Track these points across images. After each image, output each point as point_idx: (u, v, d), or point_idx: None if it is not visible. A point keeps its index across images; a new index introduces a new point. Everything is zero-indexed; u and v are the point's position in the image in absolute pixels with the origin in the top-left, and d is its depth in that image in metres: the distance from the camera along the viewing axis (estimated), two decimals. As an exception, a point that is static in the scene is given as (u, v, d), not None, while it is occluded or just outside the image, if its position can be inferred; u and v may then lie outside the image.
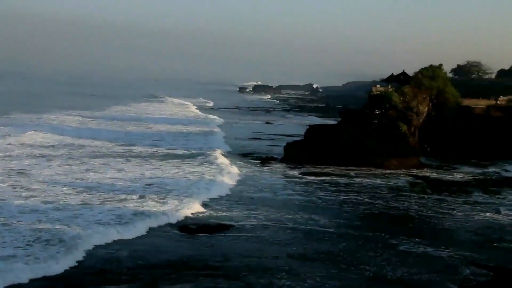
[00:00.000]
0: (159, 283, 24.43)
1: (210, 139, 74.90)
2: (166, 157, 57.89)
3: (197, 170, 50.55)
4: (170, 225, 33.36)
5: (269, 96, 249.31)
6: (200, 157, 57.41)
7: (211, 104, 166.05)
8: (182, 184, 43.74)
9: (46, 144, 61.95)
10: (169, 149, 63.87)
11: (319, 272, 26.69)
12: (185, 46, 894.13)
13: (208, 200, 39.85)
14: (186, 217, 34.83)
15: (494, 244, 32.33)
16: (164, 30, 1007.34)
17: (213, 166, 52.32)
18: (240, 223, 34.49)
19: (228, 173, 49.19)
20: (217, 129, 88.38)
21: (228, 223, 34.25)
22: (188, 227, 33.05)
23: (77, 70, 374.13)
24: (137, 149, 62.67)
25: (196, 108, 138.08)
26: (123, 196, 38.67)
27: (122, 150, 61.10)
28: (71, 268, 25.65)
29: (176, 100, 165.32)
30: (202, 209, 37.06)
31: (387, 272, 27.00)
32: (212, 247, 29.76)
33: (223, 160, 55.49)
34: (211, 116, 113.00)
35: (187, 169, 50.84)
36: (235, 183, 46.43)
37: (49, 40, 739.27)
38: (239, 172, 51.18)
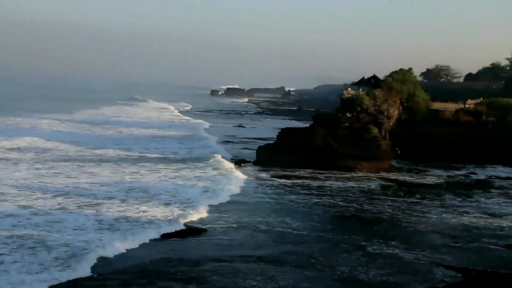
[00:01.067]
0: (130, 289, 24.07)
1: (201, 144, 73.85)
2: (143, 160, 57.31)
3: (191, 175, 49.54)
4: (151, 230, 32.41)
5: (241, 99, 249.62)
6: (200, 163, 56.16)
7: (188, 107, 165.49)
8: (165, 189, 42.89)
9: (13, 147, 60.73)
10: (142, 153, 63.29)
11: (292, 274, 26.62)
12: (156, 49, 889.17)
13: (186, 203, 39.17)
14: (166, 222, 33.93)
15: (465, 246, 32.65)
16: (135, 34, 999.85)
17: (215, 172, 51.42)
18: (210, 225, 34.22)
19: (231, 179, 48.50)
20: (205, 134, 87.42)
21: (200, 226, 33.95)
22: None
23: (52, 73, 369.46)
24: (108, 152, 61.96)
25: (179, 112, 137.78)
26: (102, 201, 37.93)
27: (90, 154, 60.30)
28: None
29: (150, 104, 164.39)
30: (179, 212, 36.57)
31: (359, 274, 27.05)
32: (184, 251, 29.45)
33: (227, 166, 54.38)
34: (196, 120, 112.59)
35: (171, 173, 49.94)
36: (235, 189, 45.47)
37: (24, 43, 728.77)
38: (245, 177, 50.48)
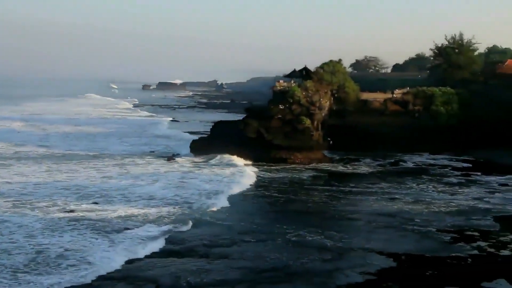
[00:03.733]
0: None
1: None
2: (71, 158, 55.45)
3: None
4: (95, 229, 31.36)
5: (173, 93, 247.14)
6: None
7: (119, 103, 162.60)
8: (101, 187, 42.04)
9: None
10: (68, 151, 61.39)
11: (221, 266, 26.40)
12: (85, 43, 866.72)
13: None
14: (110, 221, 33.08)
15: (398, 232, 33.31)
16: (63, 28, 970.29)
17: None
18: (139, 221, 33.41)
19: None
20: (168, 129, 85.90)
21: (126, 221, 33.03)
22: (89, 228, 31.46)
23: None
24: (33, 150, 60.03)
25: (132, 107, 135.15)
26: (36, 201, 36.75)
27: (12, 151, 58.34)
28: None
29: (78, 100, 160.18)
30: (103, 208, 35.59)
31: (291, 263, 27.09)
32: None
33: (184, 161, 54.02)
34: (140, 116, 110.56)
35: (104, 169, 48.71)
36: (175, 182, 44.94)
37: None
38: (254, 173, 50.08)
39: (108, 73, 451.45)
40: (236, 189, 44.01)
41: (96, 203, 37.08)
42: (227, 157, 56.79)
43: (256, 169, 53.30)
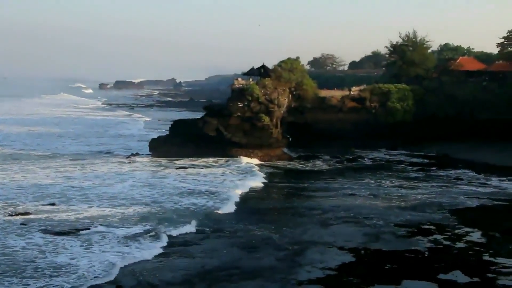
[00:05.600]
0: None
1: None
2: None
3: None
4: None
5: (131, 92, 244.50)
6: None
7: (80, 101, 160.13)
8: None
9: None
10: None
11: (178, 266, 26.29)
12: (41, 42, 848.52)
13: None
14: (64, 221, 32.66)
15: (357, 228, 33.80)
16: (20, 26, 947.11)
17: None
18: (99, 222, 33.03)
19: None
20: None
21: (86, 222, 32.64)
22: (49, 230, 31.02)
23: None
24: None
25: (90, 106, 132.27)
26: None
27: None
28: None
29: (34, 100, 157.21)
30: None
31: (249, 260, 27.22)
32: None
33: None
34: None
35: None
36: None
37: None
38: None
39: (63, 72, 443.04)
40: (202, 188, 43.59)
41: (53, 204, 36.47)
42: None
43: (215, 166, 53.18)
